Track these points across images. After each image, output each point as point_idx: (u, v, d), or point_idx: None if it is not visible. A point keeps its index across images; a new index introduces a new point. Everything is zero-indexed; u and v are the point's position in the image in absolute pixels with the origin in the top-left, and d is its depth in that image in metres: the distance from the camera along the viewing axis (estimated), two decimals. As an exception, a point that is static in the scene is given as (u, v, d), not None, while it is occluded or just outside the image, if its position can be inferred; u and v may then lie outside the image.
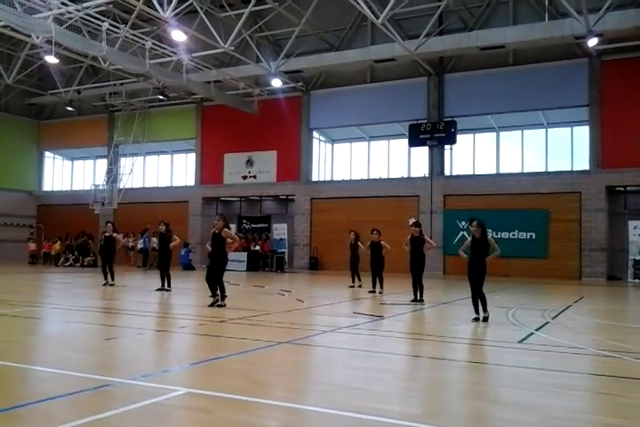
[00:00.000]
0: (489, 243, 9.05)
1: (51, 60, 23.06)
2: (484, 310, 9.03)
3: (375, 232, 14.82)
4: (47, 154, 35.26)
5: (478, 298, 9.03)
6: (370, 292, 14.22)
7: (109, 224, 15.71)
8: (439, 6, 20.60)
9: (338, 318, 9.36)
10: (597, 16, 17.82)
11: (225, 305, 10.44)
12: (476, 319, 9.00)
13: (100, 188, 30.05)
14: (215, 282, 10.63)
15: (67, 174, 35.15)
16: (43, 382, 5.08)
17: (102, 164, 32.73)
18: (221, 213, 12.05)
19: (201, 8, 20.52)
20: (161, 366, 5.87)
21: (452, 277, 21.89)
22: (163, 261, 14.23)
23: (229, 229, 11.14)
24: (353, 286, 15.77)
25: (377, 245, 14.62)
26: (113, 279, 15.05)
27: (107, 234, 15.20)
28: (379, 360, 6.19)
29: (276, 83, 24.95)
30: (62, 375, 5.17)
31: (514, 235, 22.74)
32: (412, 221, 12.98)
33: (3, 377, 5.17)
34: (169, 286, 13.95)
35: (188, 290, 15.16)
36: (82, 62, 25.87)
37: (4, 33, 20.52)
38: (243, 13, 19.83)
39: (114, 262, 15.51)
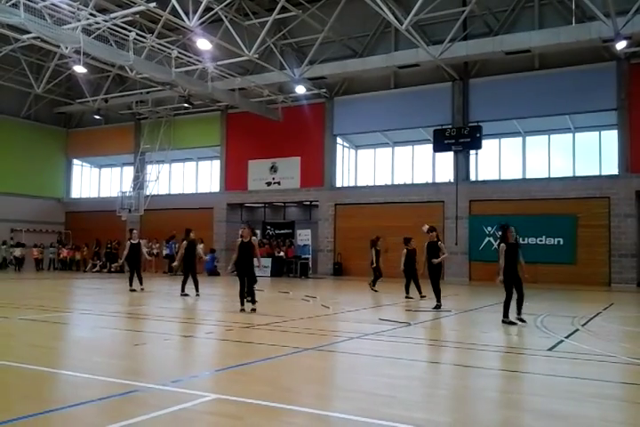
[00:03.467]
0: (500, 251, 9.56)
1: (79, 69, 23.50)
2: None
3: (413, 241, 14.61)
4: (75, 162, 35.85)
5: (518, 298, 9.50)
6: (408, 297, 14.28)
7: (134, 231, 16.03)
8: (463, 11, 20.51)
9: (363, 325, 9.32)
10: (626, 19, 17.56)
11: (255, 310, 10.55)
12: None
13: (127, 194, 30.49)
14: (249, 290, 10.78)
15: (94, 182, 35.70)
16: (74, 387, 5.15)
17: (129, 171, 33.19)
18: (247, 222, 12.23)
19: (226, 17, 20.74)
20: (189, 371, 5.91)
21: (478, 284, 21.67)
22: (188, 267, 14.43)
23: (256, 237, 11.35)
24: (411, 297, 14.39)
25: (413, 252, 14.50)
26: (141, 284, 15.33)
27: (133, 241, 15.45)
28: (405, 367, 6.15)
29: (300, 89, 25.07)
30: (92, 380, 5.24)
31: (541, 240, 22.44)
32: (425, 227, 12.77)
33: (35, 382, 5.26)
34: (197, 291, 14.12)
35: (215, 296, 15.25)
36: (109, 71, 26.30)
37: (35, 44, 20.97)
38: (267, 21, 19.99)
39: (141, 268, 15.84)
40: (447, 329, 9.62)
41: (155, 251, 27.56)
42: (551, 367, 6.19)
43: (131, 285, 15.37)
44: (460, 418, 4.38)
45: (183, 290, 14.27)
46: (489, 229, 23.36)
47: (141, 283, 15.33)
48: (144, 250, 16.43)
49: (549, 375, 5.82)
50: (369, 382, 5.39)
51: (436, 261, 12.02)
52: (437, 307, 11.84)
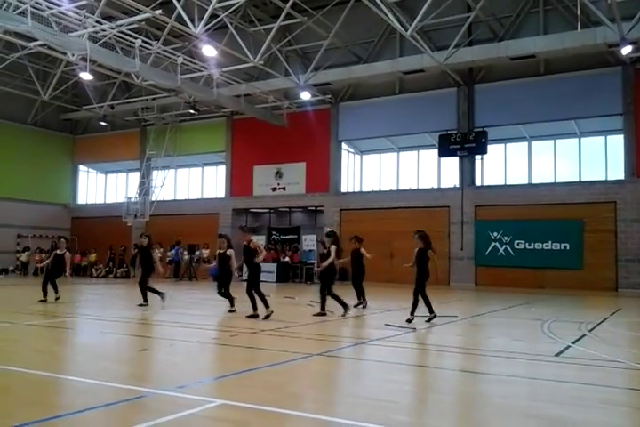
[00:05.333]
0: (430, 256, 10.17)
1: (85, 76, 23.65)
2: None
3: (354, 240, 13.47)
4: (81, 168, 35.99)
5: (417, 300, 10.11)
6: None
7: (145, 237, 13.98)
8: (468, 17, 20.54)
9: (369, 330, 9.31)
10: (631, 24, 17.55)
11: (257, 316, 10.54)
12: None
13: (133, 200, 30.57)
14: (256, 293, 10.75)
15: (100, 187, 35.83)
16: (80, 392, 5.16)
17: (135, 177, 33.29)
18: (240, 226, 12.38)
19: (231, 23, 20.83)
20: (195, 377, 5.91)
21: (485, 289, 21.61)
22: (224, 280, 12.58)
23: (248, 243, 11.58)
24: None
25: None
26: (162, 294, 13.05)
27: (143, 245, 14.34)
28: (410, 373, 6.13)
29: (305, 95, 25.14)
30: (98, 386, 5.24)
31: (547, 246, 22.37)
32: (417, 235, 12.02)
33: (41, 388, 5.27)
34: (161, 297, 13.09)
35: (219, 301, 15.21)
36: (115, 78, 26.45)
37: (42, 51, 21.13)
38: (272, 28, 20.08)
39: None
40: (453, 335, 9.59)
41: (158, 255, 27.57)
42: (558, 373, 6.16)
43: (145, 300, 13.14)
44: (465, 424, 4.37)
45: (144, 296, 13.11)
46: (495, 234, 23.31)
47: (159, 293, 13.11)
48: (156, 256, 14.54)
49: (556, 381, 5.79)
50: (374, 388, 5.38)
51: (336, 262, 11.38)
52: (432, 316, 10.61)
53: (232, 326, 9.75)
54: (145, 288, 13.12)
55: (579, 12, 20.64)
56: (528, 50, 20.25)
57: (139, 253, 14.90)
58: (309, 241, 26.63)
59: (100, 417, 4.33)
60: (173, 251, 27.01)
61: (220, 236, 12.43)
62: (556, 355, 7.20)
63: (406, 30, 17.95)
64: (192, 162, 31.99)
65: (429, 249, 10.24)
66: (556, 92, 22.39)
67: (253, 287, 10.68)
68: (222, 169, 30.59)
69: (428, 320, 10.37)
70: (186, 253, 27.07)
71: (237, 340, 8.31)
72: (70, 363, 6.69)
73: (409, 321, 10.05)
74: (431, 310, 10.39)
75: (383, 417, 4.34)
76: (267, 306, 10.53)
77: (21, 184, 31.50)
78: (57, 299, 13.65)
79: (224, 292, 11.98)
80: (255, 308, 10.68)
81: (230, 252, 11.70)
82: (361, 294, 13.44)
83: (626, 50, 18.62)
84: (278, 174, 28.28)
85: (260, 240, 26.73)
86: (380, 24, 23.47)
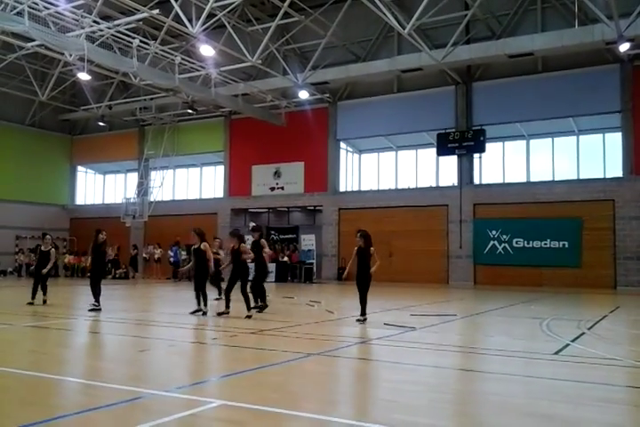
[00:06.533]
0: (372, 254, 9.97)
1: (83, 76, 23.61)
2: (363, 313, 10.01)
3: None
4: (79, 168, 35.97)
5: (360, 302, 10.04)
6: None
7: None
8: (466, 15, 20.55)
9: (368, 330, 9.31)
10: (629, 21, 17.56)
11: (251, 316, 10.61)
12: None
13: (131, 201, 30.55)
14: (242, 293, 10.97)
15: (98, 188, 35.81)
16: (79, 393, 5.16)
17: (133, 177, 33.26)
18: (233, 231, 12.11)
19: (228, 23, 20.82)
20: (194, 377, 5.91)
21: (483, 288, 21.62)
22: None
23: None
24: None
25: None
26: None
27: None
28: (409, 372, 6.13)
29: (303, 95, 25.13)
30: (98, 387, 5.24)
31: (546, 244, 22.38)
32: (251, 225, 11.96)
33: (39, 389, 5.26)
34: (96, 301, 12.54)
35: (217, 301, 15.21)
36: (113, 78, 26.42)
37: (39, 51, 21.10)
38: (269, 27, 20.08)
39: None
40: (452, 333, 9.59)
41: (157, 256, 27.61)
42: (557, 371, 6.17)
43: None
44: (465, 423, 4.37)
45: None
46: (493, 232, 23.33)
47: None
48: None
49: (555, 379, 5.79)
50: (373, 387, 5.39)
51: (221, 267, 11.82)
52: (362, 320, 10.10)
53: (232, 327, 9.74)
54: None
55: (576, 10, 20.64)
56: (526, 48, 20.24)
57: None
58: (308, 241, 26.62)
59: (100, 418, 4.33)
60: (171, 252, 26.97)
61: (194, 229, 11.91)
62: (555, 353, 7.20)
63: (404, 28, 17.95)
64: (190, 162, 31.99)
65: (370, 247, 9.94)
66: (554, 89, 22.40)
67: (243, 287, 10.99)
68: (221, 169, 30.58)
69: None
70: (184, 253, 27.02)
71: (237, 340, 8.31)
72: (70, 364, 6.68)
73: (359, 321, 9.95)
74: (364, 312, 10.04)
75: (382, 416, 4.34)
76: (249, 309, 10.83)
77: (19, 185, 31.47)
78: (44, 302, 12.88)
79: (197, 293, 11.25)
80: (249, 308, 10.84)
81: (205, 246, 11.37)
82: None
83: (623, 47, 18.64)
84: (277, 174, 28.27)
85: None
86: (378, 22, 23.46)
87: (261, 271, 12.00)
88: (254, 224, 12.14)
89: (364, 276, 10.04)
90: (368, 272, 9.99)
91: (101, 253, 12.58)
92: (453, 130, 24.16)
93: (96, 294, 11.94)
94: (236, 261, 11.11)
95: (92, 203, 35.35)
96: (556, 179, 23.25)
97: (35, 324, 9.76)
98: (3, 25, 16.51)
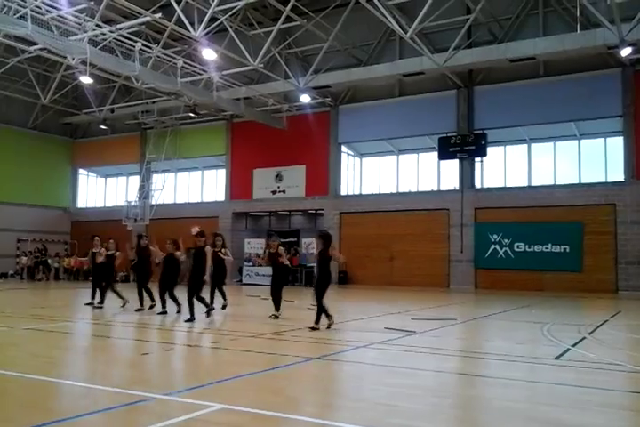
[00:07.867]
0: (331, 255, 9.69)
1: (85, 80, 23.68)
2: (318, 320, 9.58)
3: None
4: (81, 171, 36.04)
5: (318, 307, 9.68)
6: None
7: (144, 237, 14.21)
8: (468, 19, 20.58)
9: (369, 334, 9.29)
10: (631, 25, 17.57)
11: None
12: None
13: (133, 204, 30.59)
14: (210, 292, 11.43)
15: (100, 191, 35.86)
16: (79, 397, 5.14)
17: (135, 180, 33.31)
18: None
19: (230, 27, 20.88)
20: (195, 381, 5.89)
21: (484, 292, 21.58)
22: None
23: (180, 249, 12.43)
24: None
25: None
26: (153, 300, 12.95)
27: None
28: (410, 376, 6.12)
29: (305, 98, 25.18)
30: (98, 391, 5.23)
31: (547, 248, 22.37)
32: (195, 230, 11.36)
33: (39, 392, 5.26)
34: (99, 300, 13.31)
35: (218, 304, 15.18)
36: (115, 82, 26.49)
37: (41, 55, 21.19)
38: (271, 31, 20.11)
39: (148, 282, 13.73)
40: (453, 338, 9.58)
41: (157, 260, 27.52)
42: (558, 376, 6.15)
43: (141, 304, 12.89)
44: (467, 428, 4.35)
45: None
46: (494, 236, 23.32)
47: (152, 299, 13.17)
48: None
49: (556, 384, 5.77)
50: (374, 392, 5.37)
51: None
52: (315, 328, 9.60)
53: (232, 330, 9.74)
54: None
55: (578, 14, 20.68)
56: (528, 52, 20.26)
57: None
58: (309, 244, 26.58)
59: (100, 421, 4.32)
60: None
61: (170, 239, 12.32)
62: (556, 358, 7.18)
63: (406, 33, 17.98)
64: (192, 165, 32.01)
65: (329, 246, 9.56)
66: (556, 94, 22.41)
67: (217, 286, 11.67)
68: (222, 172, 30.62)
69: (207, 313, 10.93)
70: (184, 256, 26.98)
71: (237, 343, 8.29)
72: (70, 367, 6.67)
73: (313, 329, 9.35)
74: (318, 321, 9.52)
75: (382, 421, 4.33)
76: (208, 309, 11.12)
77: (21, 188, 31.53)
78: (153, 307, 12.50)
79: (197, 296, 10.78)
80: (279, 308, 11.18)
81: (179, 254, 11.44)
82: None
83: (625, 51, 18.65)
84: (278, 177, 28.30)
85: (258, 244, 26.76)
86: (380, 26, 23.53)
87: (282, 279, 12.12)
88: (198, 229, 11.67)
89: (322, 280, 9.75)
90: (326, 277, 9.72)
91: (145, 257, 12.93)
92: (455, 134, 24.16)
93: (175, 298, 11.71)
94: (275, 265, 11.34)
95: (93, 206, 35.38)
96: (557, 183, 23.25)
97: (35, 327, 9.75)
98: (6, 28, 16.57)
